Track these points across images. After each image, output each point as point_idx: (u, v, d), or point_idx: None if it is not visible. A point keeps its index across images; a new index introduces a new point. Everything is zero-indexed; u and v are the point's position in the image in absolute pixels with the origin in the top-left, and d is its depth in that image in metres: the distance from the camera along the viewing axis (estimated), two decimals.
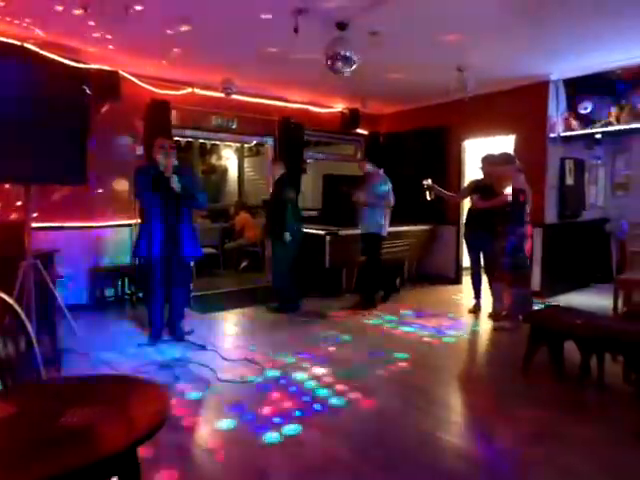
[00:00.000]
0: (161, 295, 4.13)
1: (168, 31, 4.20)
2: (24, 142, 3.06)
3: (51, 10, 3.75)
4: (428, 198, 5.58)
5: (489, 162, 5.15)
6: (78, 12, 3.66)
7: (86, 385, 1.54)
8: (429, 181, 5.48)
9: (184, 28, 4.12)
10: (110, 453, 1.12)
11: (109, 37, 4.38)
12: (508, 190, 4.74)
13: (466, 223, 5.38)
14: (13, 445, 1.16)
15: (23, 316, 1.99)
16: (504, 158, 4.90)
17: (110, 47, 4.67)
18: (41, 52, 4.55)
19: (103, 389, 1.48)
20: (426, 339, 4.33)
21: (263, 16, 3.86)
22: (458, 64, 5.14)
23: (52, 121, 3.07)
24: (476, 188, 5.20)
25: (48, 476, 1.04)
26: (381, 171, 5.69)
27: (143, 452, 2.26)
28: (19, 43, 4.33)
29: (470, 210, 5.32)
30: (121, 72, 5.28)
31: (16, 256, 3.25)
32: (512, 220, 4.62)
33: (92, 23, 3.99)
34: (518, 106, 5.98)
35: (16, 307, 1.99)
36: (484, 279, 5.24)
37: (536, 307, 4.69)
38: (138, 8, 3.67)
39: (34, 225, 4.13)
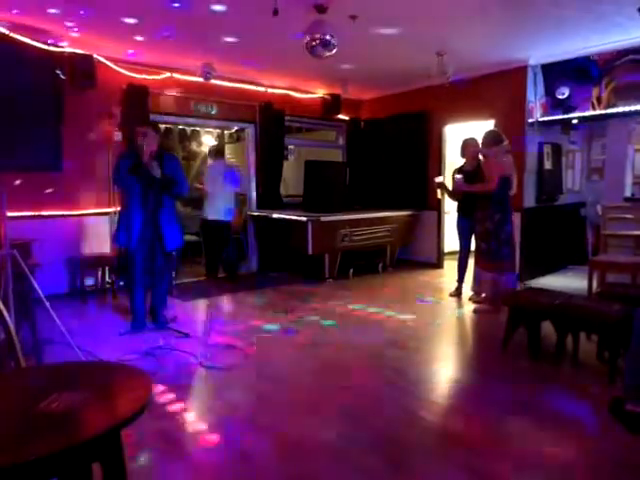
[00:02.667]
0: (142, 283, 4.10)
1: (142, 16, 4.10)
2: None
3: None
4: (439, 196, 5.50)
5: (470, 144, 5.03)
6: None
7: (67, 372, 1.53)
8: (441, 178, 5.29)
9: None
10: (91, 437, 1.13)
11: (80, 20, 4.26)
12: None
13: (458, 208, 5.28)
14: None
15: (1, 306, 1.97)
16: (494, 137, 4.68)
17: (74, 31, 4.54)
18: (11, 35, 4.40)
19: (84, 375, 1.48)
20: (409, 322, 4.39)
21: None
22: (438, 49, 5.14)
23: (25, 107, 2.98)
24: (475, 175, 4.92)
25: (28, 460, 1.04)
26: (221, 162, 6.32)
27: (127, 438, 2.27)
28: None
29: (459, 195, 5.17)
30: (96, 56, 5.14)
31: None
32: (493, 205, 4.57)
33: (56, 11, 3.86)
34: (497, 91, 6.03)
35: None
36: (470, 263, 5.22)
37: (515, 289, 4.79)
38: None
39: (10, 214, 4.04)
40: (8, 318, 2.68)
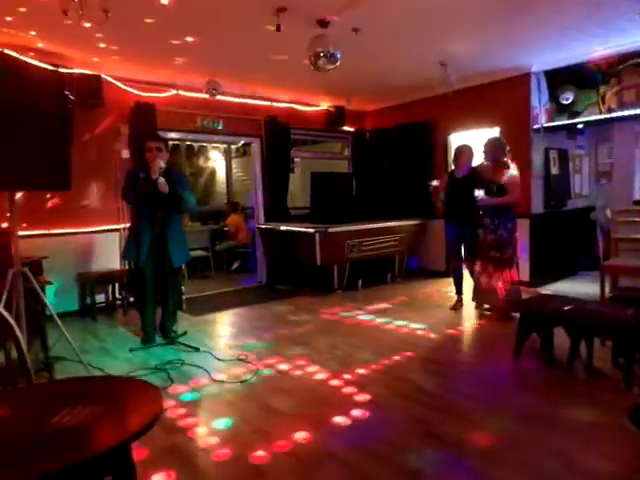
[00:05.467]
0: (152, 298, 4.12)
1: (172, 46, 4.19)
2: (4, 149, 3.02)
3: (31, 15, 3.72)
4: (435, 199, 5.42)
5: (464, 151, 4.91)
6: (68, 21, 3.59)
7: (78, 387, 1.54)
8: (437, 182, 5.12)
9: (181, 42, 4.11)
10: (103, 450, 1.13)
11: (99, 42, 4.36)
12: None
13: (446, 217, 5.13)
14: (7, 446, 1.16)
15: (13, 323, 1.98)
16: (500, 144, 4.57)
17: (115, 57, 4.77)
18: (20, 57, 4.50)
19: (95, 390, 1.48)
20: (418, 332, 4.36)
21: (245, 17, 3.87)
22: (440, 59, 5.17)
23: (34, 127, 3.04)
24: (467, 182, 4.80)
25: (42, 475, 1.04)
26: None
27: (139, 454, 2.27)
28: None
29: (449, 204, 5.03)
30: (104, 76, 5.24)
31: (4, 263, 3.21)
32: (503, 214, 4.53)
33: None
34: (501, 98, 6.04)
35: (5, 315, 1.99)
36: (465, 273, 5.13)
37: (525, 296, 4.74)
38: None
39: (22, 233, 4.09)
40: (20, 335, 2.70)
